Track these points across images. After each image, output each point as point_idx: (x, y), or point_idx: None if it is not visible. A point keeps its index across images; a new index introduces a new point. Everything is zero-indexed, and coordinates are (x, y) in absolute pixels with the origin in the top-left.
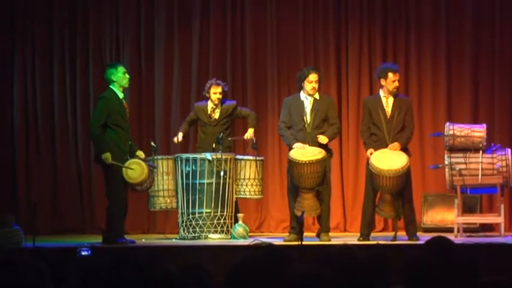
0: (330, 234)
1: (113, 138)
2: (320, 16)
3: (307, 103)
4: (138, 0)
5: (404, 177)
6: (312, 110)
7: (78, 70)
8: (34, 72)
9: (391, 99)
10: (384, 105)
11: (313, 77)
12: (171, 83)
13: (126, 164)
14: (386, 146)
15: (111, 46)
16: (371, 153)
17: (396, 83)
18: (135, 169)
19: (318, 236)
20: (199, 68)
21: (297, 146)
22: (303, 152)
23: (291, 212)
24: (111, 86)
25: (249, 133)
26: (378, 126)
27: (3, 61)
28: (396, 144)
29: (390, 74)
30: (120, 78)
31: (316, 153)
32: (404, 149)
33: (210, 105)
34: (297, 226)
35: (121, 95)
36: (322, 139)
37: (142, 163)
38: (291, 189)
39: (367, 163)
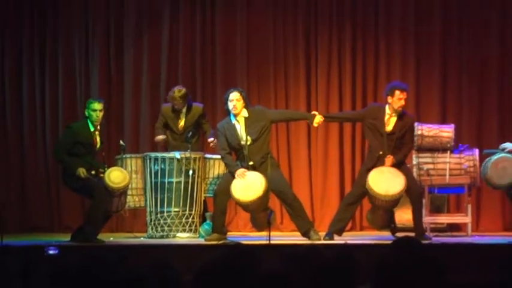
0: (296, 233)
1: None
2: (289, 19)
3: (239, 125)
4: (107, 1)
5: (396, 202)
6: (246, 129)
7: (47, 72)
8: (3, 75)
9: (394, 118)
10: (386, 122)
11: (232, 96)
12: (140, 83)
13: (107, 171)
14: (380, 160)
15: (80, 47)
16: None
17: (402, 102)
18: (117, 174)
19: (304, 234)
20: (168, 69)
21: (238, 174)
22: (243, 188)
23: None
24: (86, 118)
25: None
26: (377, 138)
27: None
28: (391, 158)
29: (397, 92)
30: (90, 115)
31: (257, 188)
32: (402, 162)
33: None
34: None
35: (92, 128)
36: None
37: (124, 170)
38: None
39: (363, 170)
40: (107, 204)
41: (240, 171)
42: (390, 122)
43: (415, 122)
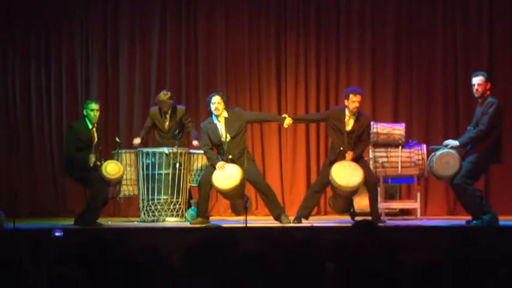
0: (269, 217)
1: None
2: (262, 30)
3: (220, 124)
4: (104, 14)
5: (355, 191)
6: (226, 127)
7: (52, 75)
8: (14, 79)
9: (352, 119)
10: (346, 122)
11: (214, 99)
12: (134, 86)
13: (104, 164)
14: (341, 154)
15: (81, 54)
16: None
17: (356, 104)
18: (113, 167)
19: (277, 218)
20: (158, 73)
21: (218, 166)
22: (222, 178)
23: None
24: (85, 117)
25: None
26: (338, 136)
27: None
28: (351, 154)
29: (351, 96)
30: (88, 114)
31: (234, 178)
32: (360, 157)
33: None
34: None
35: (90, 126)
36: None
37: (119, 163)
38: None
39: (326, 163)
40: (104, 193)
41: (219, 164)
42: (349, 123)
43: (371, 122)
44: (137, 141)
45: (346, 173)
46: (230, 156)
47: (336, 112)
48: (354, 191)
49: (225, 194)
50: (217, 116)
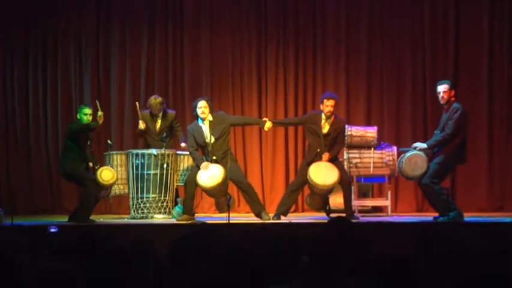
0: (251, 214)
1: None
2: (245, 40)
3: (205, 127)
4: (97, 26)
5: (331, 189)
6: (210, 130)
7: (48, 81)
8: (12, 84)
9: (328, 122)
10: (322, 125)
11: (200, 103)
12: (124, 91)
13: (99, 170)
14: (318, 156)
15: (75, 62)
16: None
17: (329, 108)
18: (107, 173)
19: (258, 215)
20: (146, 80)
21: (202, 166)
22: (206, 177)
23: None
24: (79, 120)
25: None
26: (315, 139)
27: None
28: (327, 155)
29: (325, 100)
30: (81, 118)
31: (217, 176)
32: (336, 158)
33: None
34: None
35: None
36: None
37: (113, 169)
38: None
39: (304, 164)
40: (97, 194)
41: (204, 164)
42: (325, 126)
43: (345, 125)
44: (143, 125)
45: (322, 173)
46: (214, 157)
47: (312, 116)
48: (330, 190)
49: (209, 192)
50: (203, 120)
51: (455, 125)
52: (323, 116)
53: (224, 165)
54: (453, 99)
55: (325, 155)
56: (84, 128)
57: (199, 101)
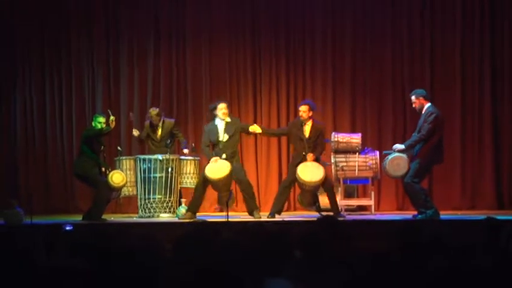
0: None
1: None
2: (240, 52)
3: (221, 126)
4: (107, 40)
5: (318, 186)
6: (225, 130)
7: (63, 91)
8: (31, 94)
9: (308, 127)
10: (303, 129)
11: (221, 106)
12: (132, 101)
13: (110, 174)
14: (304, 158)
15: (88, 74)
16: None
17: (302, 113)
18: (117, 176)
19: (250, 213)
20: (153, 90)
21: (212, 160)
22: (214, 169)
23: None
24: (93, 127)
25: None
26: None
27: (6, 84)
28: (311, 155)
29: (299, 108)
30: (96, 125)
31: (224, 170)
32: (318, 158)
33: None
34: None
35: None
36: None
37: (123, 173)
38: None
39: (292, 165)
40: (108, 195)
41: (214, 158)
42: (306, 130)
43: (324, 128)
44: (136, 133)
45: (309, 171)
46: (224, 156)
47: (294, 123)
48: (318, 186)
49: (216, 183)
50: (222, 120)
51: (431, 126)
52: (301, 122)
53: (231, 163)
54: (427, 104)
55: (310, 156)
56: (97, 133)
57: (219, 103)
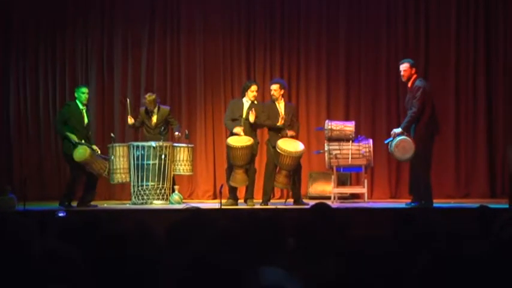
0: (241, 200)
1: (70, 135)
2: (235, 43)
3: (247, 105)
4: (102, 30)
5: (299, 160)
6: (248, 108)
7: (57, 80)
8: (25, 84)
9: (281, 105)
10: (278, 109)
11: (254, 88)
12: (126, 88)
13: (78, 146)
14: (279, 134)
15: (81, 64)
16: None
17: (273, 92)
18: (80, 152)
19: (245, 201)
20: (146, 79)
21: (236, 130)
22: (237, 139)
23: (229, 184)
24: (76, 100)
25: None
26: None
27: (1, 74)
28: (291, 131)
29: (271, 86)
30: (79, 96)
31: (246, 141)
32: (296, 137)
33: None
34: (231, 195)
35: (81, 107)
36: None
37: (88, 149)
38: (228, 167)
39: (270, 148)
40: (81, 177)
41: (238, 129)
42: (281, 108)
43: (294, 108)
44: (131, 120)
45: (291, 144)
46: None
47: (268, 106)
48: (299, 157)
49: (235, 152)
50: (252, 101)
51: (419, 102)
52: (275, 102)
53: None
54: (415, 76)
55: (290, 132)
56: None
57: (252, 84)
